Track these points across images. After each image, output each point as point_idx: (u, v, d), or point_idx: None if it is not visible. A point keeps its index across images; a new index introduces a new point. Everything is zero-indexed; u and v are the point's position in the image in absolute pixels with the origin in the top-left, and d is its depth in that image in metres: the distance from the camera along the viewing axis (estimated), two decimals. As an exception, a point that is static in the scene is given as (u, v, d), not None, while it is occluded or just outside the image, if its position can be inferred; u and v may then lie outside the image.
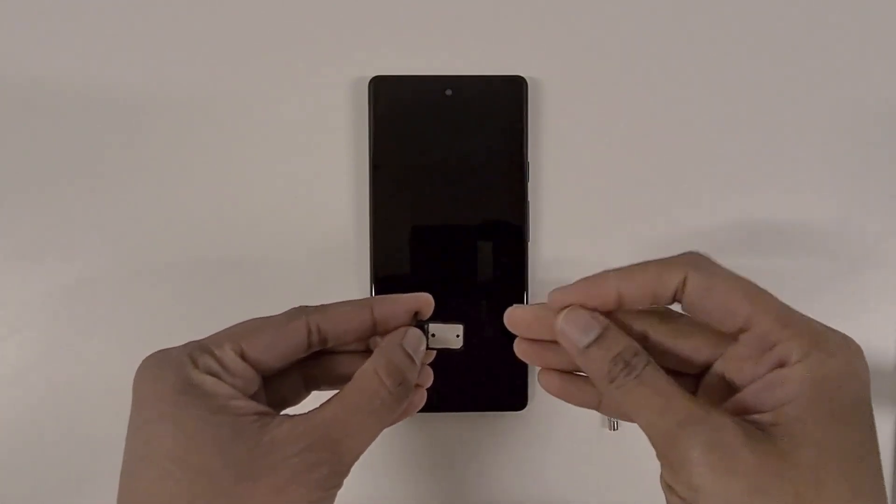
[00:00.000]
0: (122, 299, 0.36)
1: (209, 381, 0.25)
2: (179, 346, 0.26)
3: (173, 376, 0.24)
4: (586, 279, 0.26)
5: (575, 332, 0.25)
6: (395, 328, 0.28)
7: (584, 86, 0.37)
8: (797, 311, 0.24)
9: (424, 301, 0.29)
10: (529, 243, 0.36)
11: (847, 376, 0.23)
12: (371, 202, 0.36)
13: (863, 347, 0.23)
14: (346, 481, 0.25)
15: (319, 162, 0.37)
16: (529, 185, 0.36)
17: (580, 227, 0.37)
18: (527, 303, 0.36)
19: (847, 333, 0.24)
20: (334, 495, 0.25)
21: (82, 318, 0.36)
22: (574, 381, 0.28)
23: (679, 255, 0.25)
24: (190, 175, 0.36)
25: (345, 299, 0.28)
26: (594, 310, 0.26)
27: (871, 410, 0.23)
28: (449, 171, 0.36)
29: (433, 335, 0.29)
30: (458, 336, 0.29)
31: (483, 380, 0.36)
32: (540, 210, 0.37)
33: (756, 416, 0.23)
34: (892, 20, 0.37)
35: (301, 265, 0.36)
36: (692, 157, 0.37)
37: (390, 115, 0.36)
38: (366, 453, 0.26)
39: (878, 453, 0.23)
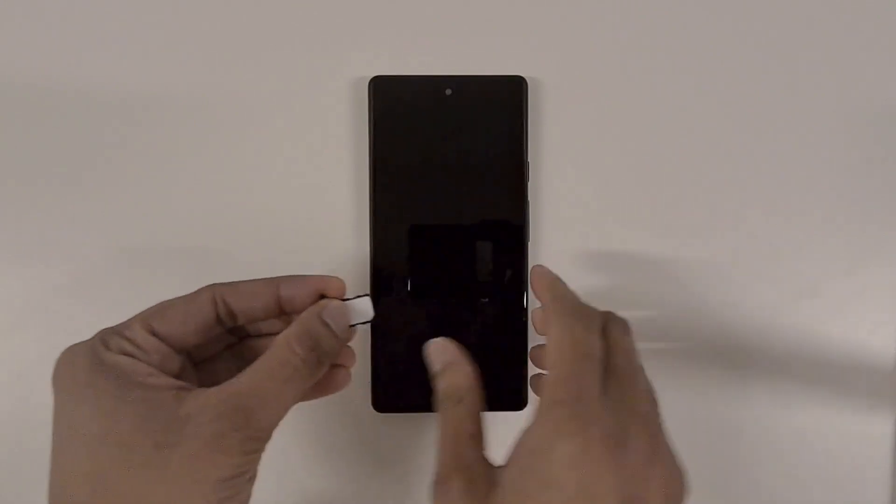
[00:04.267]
0: (123, 299, 0.36)
1: (123, 360, 0.26)
2: (93, 336, 0.27)
3: (85, 360, 0.26)
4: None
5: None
6: (301, 308, 0.29)
7: (584, 86, 0.37)
8: (571, 380, 0.25)
9: (333, 284, 0.29)
10: (529, 243, 0.36)
11: (554, 441, 0.25)
12: (371, 202, 0.36)
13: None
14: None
15: (319, 161, 0.37)
16: (529, 185, 0.36)
17: (580, 228, 0.37)
18: (526, 306, 0.36)
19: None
20: (256, 459, 0.26)
21: (82, 318, 0.36)
22: None
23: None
24: (190, 175, 0.36)
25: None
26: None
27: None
28: (449, 170, 0.36)
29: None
30: (370, 305, 0.29)
31: (482, 380, 0.36)
32: (540, 210, 0.37)
33: None
34: (891, 20, 0.37)
35: (301, 265, 0.36)
36: (692, 157, 0.37)
37: (390, 115, 0.36)
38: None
39: None
